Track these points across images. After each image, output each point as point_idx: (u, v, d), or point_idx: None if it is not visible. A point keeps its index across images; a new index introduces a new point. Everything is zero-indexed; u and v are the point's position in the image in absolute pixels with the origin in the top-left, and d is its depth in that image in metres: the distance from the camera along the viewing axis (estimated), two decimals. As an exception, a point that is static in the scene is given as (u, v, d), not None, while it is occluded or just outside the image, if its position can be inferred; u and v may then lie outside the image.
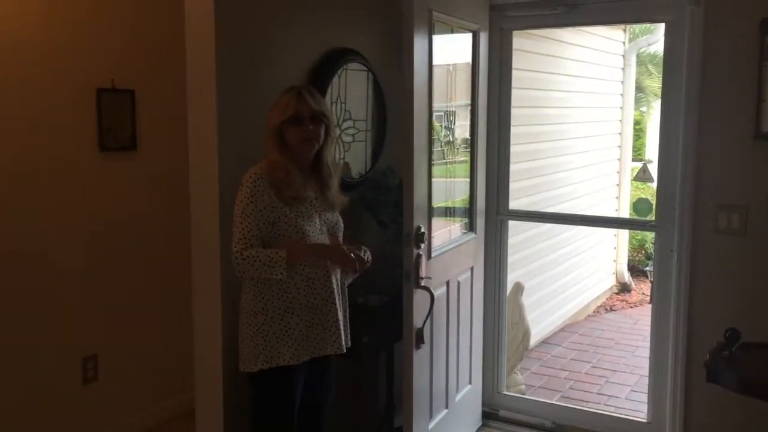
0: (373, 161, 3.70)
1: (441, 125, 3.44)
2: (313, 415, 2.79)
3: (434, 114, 3.23)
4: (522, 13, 3.77)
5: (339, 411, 3.33)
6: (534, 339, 5.62)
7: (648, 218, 3.77)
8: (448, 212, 3.67)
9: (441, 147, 3.43)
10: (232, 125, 2.82)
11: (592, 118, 6.55)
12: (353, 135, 3.61)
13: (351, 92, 3.52)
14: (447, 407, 3.55)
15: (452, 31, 3.44)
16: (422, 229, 3.08)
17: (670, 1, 3.40)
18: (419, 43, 2.99)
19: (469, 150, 3.67)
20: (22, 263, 3.34)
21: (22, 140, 3.31)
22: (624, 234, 7.54)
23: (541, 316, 5.79)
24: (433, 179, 3.24)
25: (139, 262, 3.83)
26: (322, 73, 3.23)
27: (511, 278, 4.89)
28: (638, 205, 3.55)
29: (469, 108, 3.65)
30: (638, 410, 4.16)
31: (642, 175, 3.88)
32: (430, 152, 3.16)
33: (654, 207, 3.56)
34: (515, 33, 3.92)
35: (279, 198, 2.54)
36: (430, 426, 3.37)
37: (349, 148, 3.58)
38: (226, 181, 2.73)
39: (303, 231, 2.57)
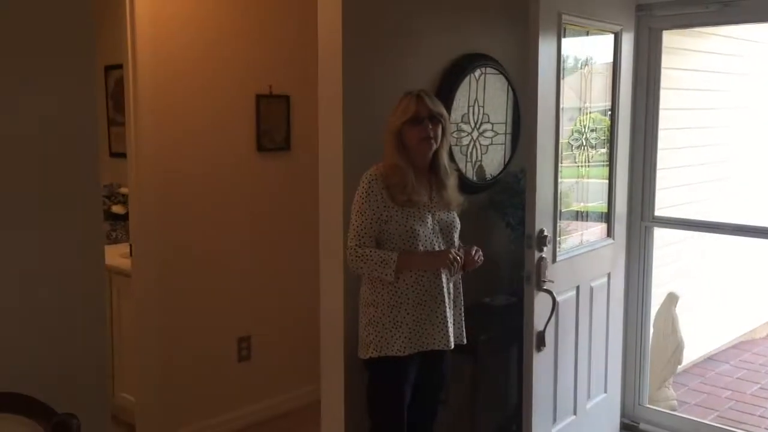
0: (507, 164, 3.73)
1: (573, 128, 3.40)
2: (425, 408, 2.90)
3: (565, 117, 3.22)
4: (672, 12, 3.63)
5: (460, 406, 3.42)
6: (698, 354, 5.32)
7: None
8: (580, 216, 3.61)
9: (572, 150, 3.39)
10: (359, 129, 2.99)
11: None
12: (491, 138, 3.67)
13: (488, 96, 3.58)
14: (575, 413, 3.51)
15: (587, 34, 3.39)
16: (545, 232, 3.08)
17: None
18: (546, 47, 3.00)
19: (606, 153, 3.59)
20: (188, 251, 3.77)
21: (197, 139, 3.74)
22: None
23: (708, 331, 5.45)
24: (562, 182, 3.22)
25: (289, 253, 4.15)
26: (450, 78, 3.32)
27: (673, 288, 4.68)
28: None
29: (609, 110, 3.58)
30: (801, 438, 3.84)
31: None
32: (557, 155, 3.15)
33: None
34: (671, 32, 3.79)
35: (392, 200, 2.68)
36: (554, 430, 3.35)
37: (487, 151, 3.65)
38: (351, 182, 2.89)
39: (413, 232, 2.69)
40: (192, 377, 3.81)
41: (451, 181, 2.84)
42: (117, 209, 4.56)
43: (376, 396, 2.81)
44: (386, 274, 2.64)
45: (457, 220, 2.87)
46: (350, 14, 2.91)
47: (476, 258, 2.81)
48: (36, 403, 2.03)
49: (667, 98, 3.88)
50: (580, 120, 3.44)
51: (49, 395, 2.09)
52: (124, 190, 4.50)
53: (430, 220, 2.76)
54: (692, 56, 4.90)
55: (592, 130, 3.48)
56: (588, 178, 3.54)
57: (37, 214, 2.30)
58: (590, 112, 3.50)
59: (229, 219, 3.90)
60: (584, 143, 3.44)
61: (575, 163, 3.43)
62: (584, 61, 3.45)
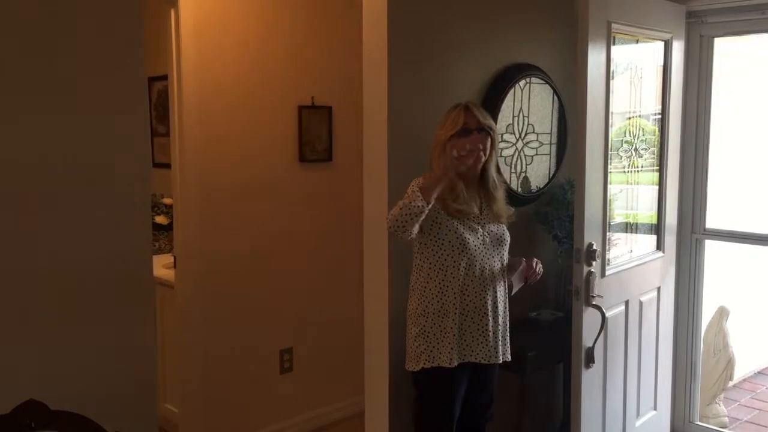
0: (553, 175, 3.66)
1: (622, 139, 3.32)
2: (473, 425, 2.85)
3: (613, 125, 3.14)
4: (723, 20, 3.54)
5: (507, 423, 3.36)
6: (748, 368, 5.17)
7: None
8: (629, 228, 3.52)
9: (621, 160, 3.31)
10: (404, 141, 2.96)
11: None
12: (536, 149, 3.60)
13: (534, 106, 3.52)
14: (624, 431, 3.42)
15: (637, 42, 3.32)
16: (594, 246, 3.01)
17: None
18: (595, 56, 2.94)
19: (654, 162, 3.50)
20: (231, 263, 3.76)
21: (240, 150, 3.73)
22: None
23: (758, 345, 5.29)
24: (610, 194, 3.15)
25: (331, 264, 4.13)
26: (495, 89, 3.27)
27: (724, 302, 4.54)
28: None
29: (659, 119, 3.49)
30: None
31: None
32: (606, 166, 3.08)
33: None
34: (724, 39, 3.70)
35: (444, 210, 2.65)
36: (602, 449, 3.28)
37: (532, 162, 3.58)
38: (395, 194, 2.86)
39: (463, 239, 2.65)
40: (235, 389, 3.81)
41: (500, 194, 2.81)
42: (160, 220, 4.59)
43: (425, 411, 2.77)
44: (418, 202, 2.46)
45: (507, 234, 2.81)
46: (396, 25, 2.88)
47: (537, 269, 2.80)
48: (85, 421, 2.02)
49: (720, 105, 3.77)
50: (629, 130, 3.36)
51: (97, 412, 2.08)
52: (166, 200, 4.52)
53: (480, 230, 2.72)
54: (748, 60, 4.77)
55: (641, 140, 3.40)
56: (638, 188, 3.46)
57: (86, 228, 2.30)
58: (640, 121, 3.42)
59: (272, 230, 3.89)
60: (633, 154, 3.36)
61: (623, 172, 3.35)
62: (633, 69, 3.37)
